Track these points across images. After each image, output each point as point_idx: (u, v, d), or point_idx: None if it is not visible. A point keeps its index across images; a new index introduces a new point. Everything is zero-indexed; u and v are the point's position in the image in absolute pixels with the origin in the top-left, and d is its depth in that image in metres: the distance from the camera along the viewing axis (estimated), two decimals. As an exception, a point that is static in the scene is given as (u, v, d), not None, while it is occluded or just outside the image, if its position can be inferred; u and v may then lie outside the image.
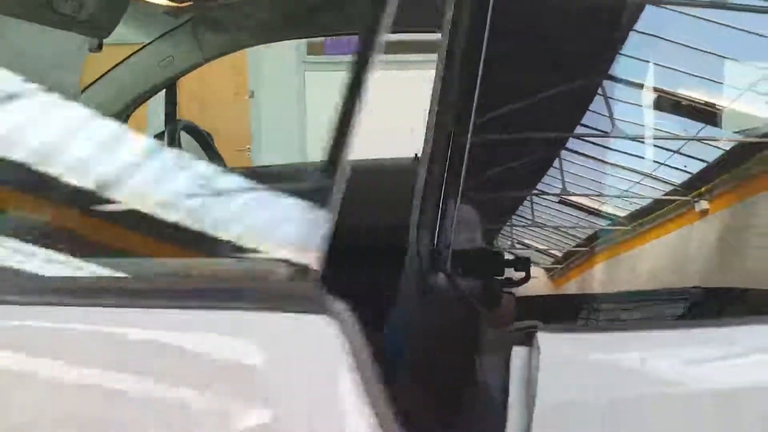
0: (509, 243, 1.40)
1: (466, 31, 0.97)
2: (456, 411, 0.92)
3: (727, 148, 1.39)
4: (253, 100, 6.93)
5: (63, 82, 1.34)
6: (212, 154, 2.14)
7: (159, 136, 2.39)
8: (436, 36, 1.11)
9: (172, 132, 1.92)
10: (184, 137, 2.47)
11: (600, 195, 1.50)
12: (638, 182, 1.42)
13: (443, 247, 1.03)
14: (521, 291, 1.12)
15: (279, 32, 2.27)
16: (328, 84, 6.44)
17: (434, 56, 1.09)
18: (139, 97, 2.19)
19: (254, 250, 0.86)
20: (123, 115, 2.29)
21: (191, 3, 1.74)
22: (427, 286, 0.95)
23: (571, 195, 1.43)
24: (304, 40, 7.10)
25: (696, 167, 1.37)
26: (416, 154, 2.32)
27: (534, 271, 1.16)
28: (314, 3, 2.09)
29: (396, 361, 0.95)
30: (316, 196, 0.75)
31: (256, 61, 6.61)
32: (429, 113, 1.03)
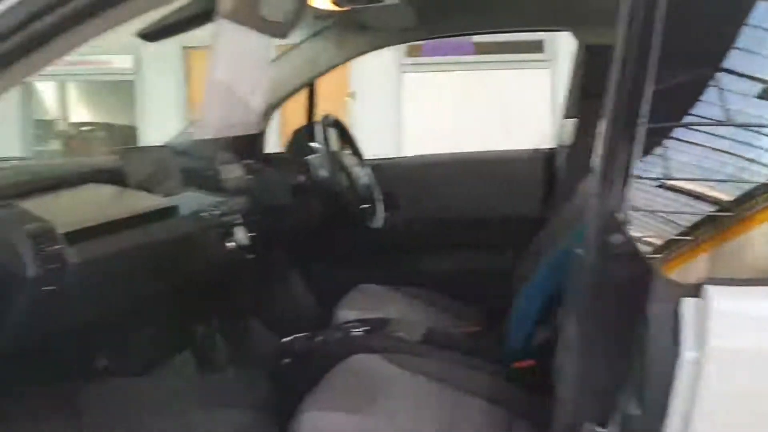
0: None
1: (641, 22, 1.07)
2: (627, 362, 0.99)
3: None
4: (352, 101, 7.29)
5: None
6: (355, 149, 2.31)
7: (303, 129, 2.57)
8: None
9: (325, 124, 2.09)
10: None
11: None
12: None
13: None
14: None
15: (418, 32, 2.42)
16: (424, 85, 6.66)
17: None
18: (288, 94, 2.38)
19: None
20: (271, 110, 2.49)
21: (350, 7, 1.90)
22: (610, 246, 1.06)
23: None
24: (404, 44, 7.38)
25: None
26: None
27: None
28: (453, 3, 2.22)
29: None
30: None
31: (357, 62, 6.80)
32: (607, 101, 1.13)
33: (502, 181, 2.46)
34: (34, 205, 1.34)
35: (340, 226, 2.21)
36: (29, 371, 1.41)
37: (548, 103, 7.31)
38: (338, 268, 2.48)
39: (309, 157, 2.13)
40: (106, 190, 1.67)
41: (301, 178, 2.07)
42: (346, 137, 2.28)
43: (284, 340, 1.83)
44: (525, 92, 7.33)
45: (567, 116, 2.38)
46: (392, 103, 7.54)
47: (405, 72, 7.40)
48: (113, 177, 1.70)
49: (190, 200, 1.81)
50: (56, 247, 1.23)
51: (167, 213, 1.66)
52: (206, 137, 1.50)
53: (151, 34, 1.75)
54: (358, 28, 2.33)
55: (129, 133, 9.72)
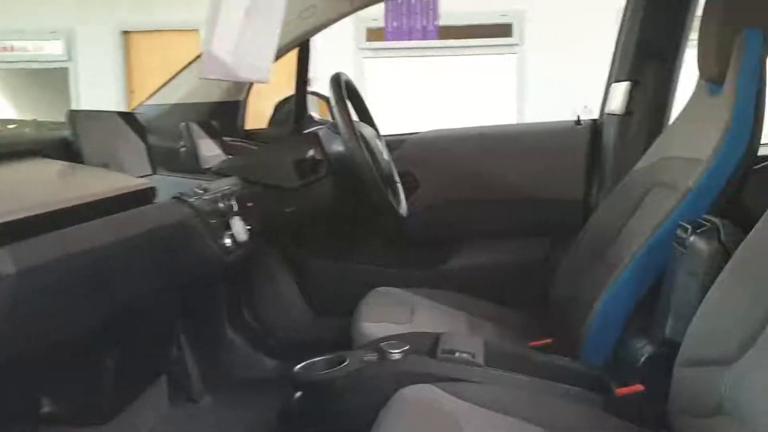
0: None
1: None
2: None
3: None
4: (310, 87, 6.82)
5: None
6: (368, 118, 1.86)
7: (294, 98, 2.12)
8: None
9: (336, 84, 1.62)
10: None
11: None
12: None
13: None
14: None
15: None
16: (387, 71, 6.29)
17: None
18: (278, 51, 1.91)
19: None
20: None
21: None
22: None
23: None
24: (363, 27, 7.11)
25: None
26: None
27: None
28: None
29: None
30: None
31: (314, 47, 6.40)
32: None
33: (538, 158, 2.05)
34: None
35: (357, 215, 1.76)
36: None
37: (515, 89, 7.00)
38: (350, 265, 2.03)
39: (319, 128, 1.68)
40: (54, 168, 1.18)
41: (309, 153, 1.61)
42: (357, 103, 1.83)
43: (298, 367, 1.37)
44: (492, 77, 6.98)
45: (617, 79, 1.99)
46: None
47: (366, 57, 6.99)
48: (64, 150, 1.21)
49: (168, 183, 1.34)
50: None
51: (139, 198, 1.19)
52: (211, 78, 1.06)
53: None
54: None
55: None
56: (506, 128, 2.15)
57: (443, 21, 6.89)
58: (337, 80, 1.63)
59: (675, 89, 1.94)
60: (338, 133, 1.59)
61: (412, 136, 2.13)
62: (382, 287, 1.82)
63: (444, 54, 7.03)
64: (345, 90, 1.65)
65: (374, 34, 7.01)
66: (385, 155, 1.75)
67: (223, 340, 1.96)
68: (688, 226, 1.33)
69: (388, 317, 1.64)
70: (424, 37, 6.88)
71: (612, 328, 1.46)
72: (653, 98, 1.92)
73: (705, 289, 1.21)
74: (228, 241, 1.35)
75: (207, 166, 1.60)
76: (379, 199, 1.55)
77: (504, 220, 2.05)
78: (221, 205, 1.33)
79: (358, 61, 7.05)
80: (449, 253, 2.06)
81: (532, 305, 1.86)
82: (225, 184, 1.46)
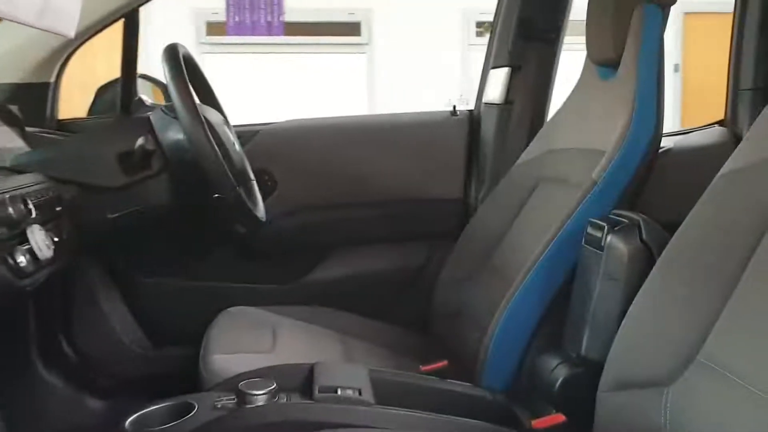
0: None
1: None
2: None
3: None
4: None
5: None
6: (214, 100, 1.53)
7: (118, 81, 1.75)
8: None
9: (171, 57, 1.28)
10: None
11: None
12: None
13: None
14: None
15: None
16: (229, 67, 5.91)
17: None
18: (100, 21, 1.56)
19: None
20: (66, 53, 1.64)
21: None
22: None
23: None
24: (203, 21, 6.65)
25: None
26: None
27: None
28: None
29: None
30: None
31: (147, 41, 5.92)
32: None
33: (412, 153, 1.82)
34: None
35: (202, 219, 1.42)
36: None
37: (365, 89, 6.83)
38: (194, 282, 1.69)
39: (151, 113, 1.33)
40: None
41: (138, 143, 1.26)
42: (199, 82, 1.49)
43: (129, 421, 1.03)
44: (342, 77, 6.76)
45: (495, 65, 1.81)
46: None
47: (205, 53, 6.52)
48: None
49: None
50: None
51: None
52: (7, 16, 0.73)
53: None
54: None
55: None
56: (375, 119, 1.90)
57: (290, 17, 6.60)
58: (172, 52, 1.29)
59: (555, 75, 1.79)
60: (175, 117, 1.25)
61: (267, 126, 1.82)
62: (235, 307, 1.51)
63: (292, 51, 6.73)
64: (184, 65, 1.31)
65: (214, 29, 6.58)
66: (237, 146, 1.44)
67: (34, 382, 1.56)
68: (603, 224, 1.15)
69: (245, 345, 1.34)
70: (270, 33, 6.55)
71: (514, 346, 1.25)
72: (535, 85, 1.75)
73: (628, 298, 1.04)
74: (23, 259, 0.99)
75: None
76: (232, 199, 1.24)
77: (375, 223, 1.80)
78: (11, 210, 0.97)
79: (197, 57, 6.60)
80: (313, 263, 1.78)
81: (413, 320, 1.63)
82: (18, 183, 1.08)
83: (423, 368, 1.29)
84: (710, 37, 5.18)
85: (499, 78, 1.78)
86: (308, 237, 1.78)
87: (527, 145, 1.65)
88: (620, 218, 1.17)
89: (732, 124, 1.61)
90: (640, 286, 0.96)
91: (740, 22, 1.61)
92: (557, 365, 1.14)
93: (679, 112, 6.37)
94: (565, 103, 1.58)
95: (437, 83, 6.20)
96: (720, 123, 1.64)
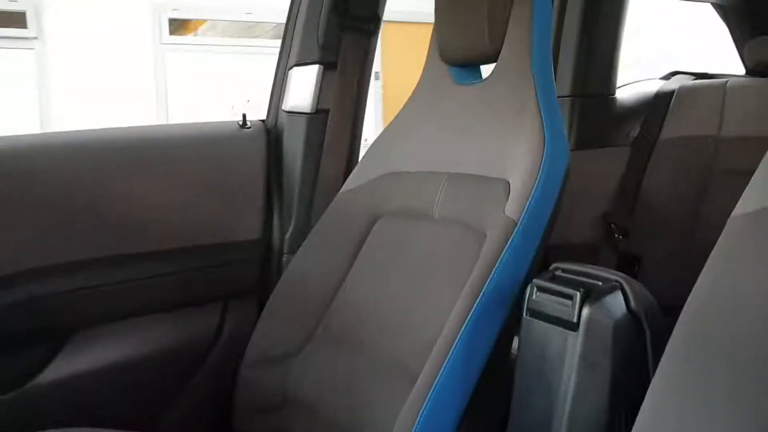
0: None
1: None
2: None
3: None
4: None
5: None
6: None
7: None
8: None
9: None
10: None
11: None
12: None
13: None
14: None
15: None
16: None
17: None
18: None
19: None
20: None
21: None
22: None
23: None
24: (166, 20, 5.50)
25: None
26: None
27: None
28: None
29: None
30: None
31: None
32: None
33: (186, 181, 1.30)
34: None
35: None
36: None
37: (36, 94, 5.67)
38: None
39: None
40: None
41: None
42: None
43: None
44: (7, 78, 5.52)
45: (298, 63, 1.37)
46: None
47: (170, 52, 5.26)
48: None
49: None
50: None
51: None
52: None
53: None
54: None
55: None
56: (133, 133, 1.29)
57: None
58: None
59: (370, 75, 1.42)
60: None
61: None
62: None
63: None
64: None
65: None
66: None
67: None
68: (568, 290, 0.81)
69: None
70: None
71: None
72: (355, 87, 1.36)
73: (618, 387, 0.73)
74: None
75: None
76: None
77: (140, 288, 1.23)
78: None
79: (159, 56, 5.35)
80: (45, 358, 1.15)
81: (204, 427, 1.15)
82: None
83: None
84: (406, 45, 5.33)
85: (306, 78, 1.35)
86: (34, 319, 1.15)
87: (347, 166, 1.27)
88: (575, 276, 0.84)
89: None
90: (626, 369, 0.72)
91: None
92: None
93: (381, 120, 6.48)
94: (404, 113, 1.23)
95: (127, 87, 5.46)
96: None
